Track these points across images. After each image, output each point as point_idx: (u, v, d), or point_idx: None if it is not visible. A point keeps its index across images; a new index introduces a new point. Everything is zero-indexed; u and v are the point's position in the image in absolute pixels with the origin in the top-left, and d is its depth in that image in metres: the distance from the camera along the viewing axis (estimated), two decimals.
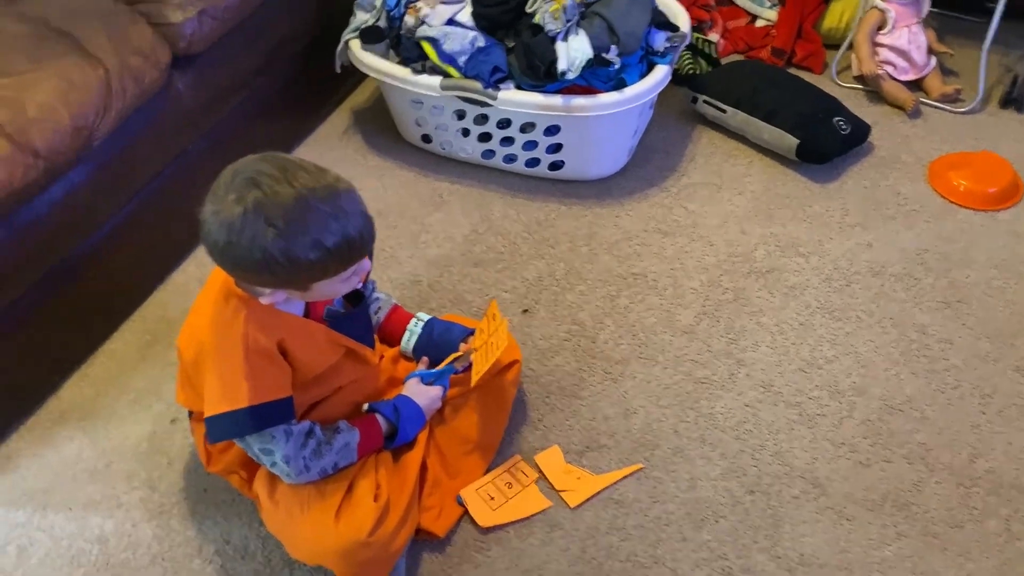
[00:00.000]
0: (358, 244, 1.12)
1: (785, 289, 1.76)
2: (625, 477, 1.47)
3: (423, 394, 1.43)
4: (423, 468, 1.42)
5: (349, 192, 1.11)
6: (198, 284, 1.82)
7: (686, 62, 2.19)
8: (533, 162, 1.97)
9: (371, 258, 1.22)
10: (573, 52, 1.72)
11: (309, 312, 1.31)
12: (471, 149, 2.00)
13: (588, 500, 1.45)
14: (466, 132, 1.96)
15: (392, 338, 1.51)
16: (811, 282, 1.77)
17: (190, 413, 1.41)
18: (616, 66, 1.77)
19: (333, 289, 1.20)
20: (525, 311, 1.75)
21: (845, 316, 1.70)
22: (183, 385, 1.33)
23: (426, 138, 2.05)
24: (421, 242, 1.90)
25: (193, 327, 1.25)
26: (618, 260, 1.83)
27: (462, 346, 1.47)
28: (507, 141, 1.94)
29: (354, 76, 2.08)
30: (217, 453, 1.36)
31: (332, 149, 2.13)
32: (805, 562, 1.35)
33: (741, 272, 1.79)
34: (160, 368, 1.68)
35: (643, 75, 1.84)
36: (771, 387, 1.59)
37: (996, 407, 1.55)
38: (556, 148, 1.92)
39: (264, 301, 1.17)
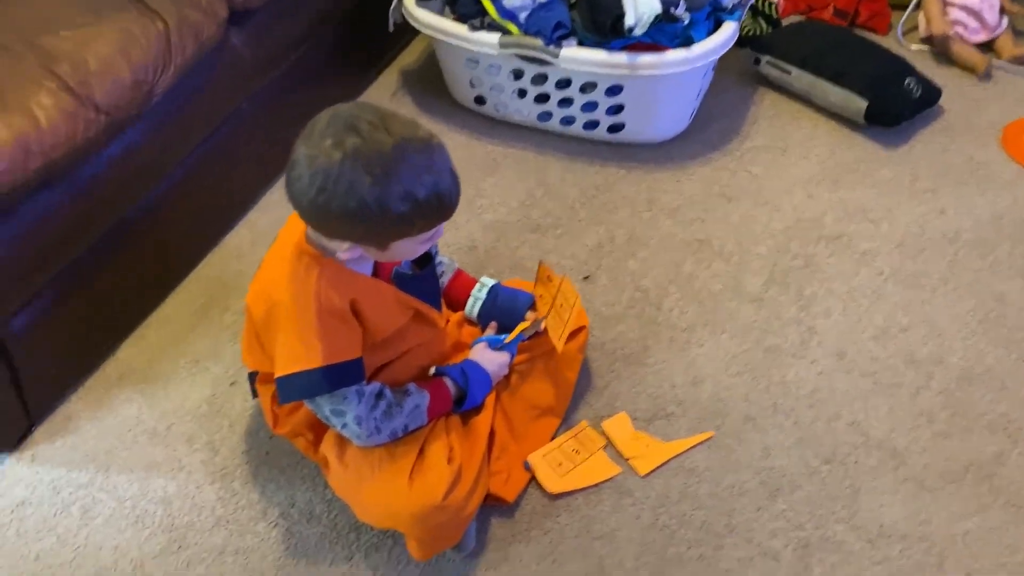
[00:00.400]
0: (447, 201, 1.10)
1: (856, 256, 1.70)
2: (696, 445, 1.44)
3: (491, 360, 1.39)
4: (491, 433, 1.39)
5: (441, 148, 1.09)
6: (251, 247, 1.81)
7: (746, 22, 2.12)
8: (592, 124, 1.92)
9: None
10: (641, 7, 1.66)
11: (377, 273, 1.28)
12: (527, 111, 1.95)
13: (658, 468, 1.41)
14: (523, 93, 1.91)
15: (456, 302, 1.48)
16: (883, 248, 1.71)
17: (254, 375, 1.39)
18: (684, 22, 1.70)
19: (410, 250, 1.18)
20: (586, 278, 1.70)
21: (919, 284, 1.65)
22: (250, 346, 1.31)
23: (480, 100, 2.00)
24: (476, 207, 1.86)
25: (263, 285, 1.22)
26: (681, 226, 1.78)
27: (529, 315, 1.43)
28: (566, 102, 1.89)
29: (405, 35, 2.04)
30: (284, 415, 1.34)
31: None
32: (885, 533, 1.31)
33: (810, 238, 1.74)
34: (217, 331, 1.66)
35: (710, 32, 1.78)
36: (845, 355, 1.54)
37: None
38: (617, 109, 1.86)
39: (341, 256, 1.14)
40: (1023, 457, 1.39)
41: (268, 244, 1.79)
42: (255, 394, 1.40)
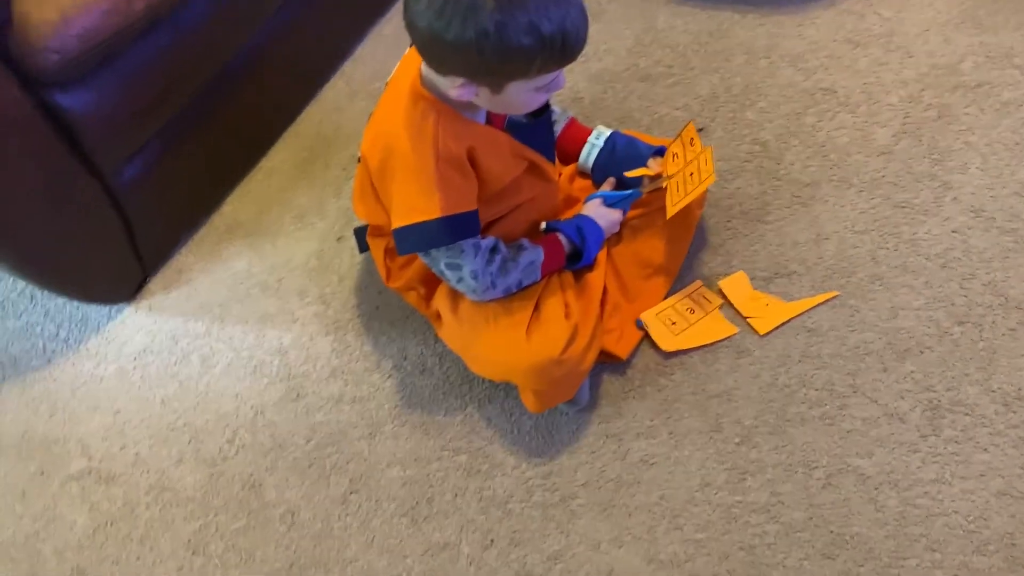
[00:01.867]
0: (572, 41, 1.01)
1: (998, 105, 1.56)
2: (819, 305, 1.38)
3: (604, 216, 1.34)
4: (603, 291, 1.35)
5: None
6: (348, 100, 1.76)
7: None
8: None
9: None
10: None
11: (491, 122, 1.21)
12: None
13: (778, 328, 1.36)
14: None
15: (570, 153, 1.41)
16: None
17: (362, 230, 1.36)
18: None
19: (524, 98, 1.10)
20: (700, 130, 1.61)
21: None
22: (363, 196, 1.27)
23: None
24: (581, 56, 1.75)
25: (378, 132, 1.17)
26: (803, 74, 1.66)
27: (652, 164, 1.36)
28: None
29: None
30: (397, 269, 1.32)
31: None
32: (1022, 396, 1.25)
33: (946, 86, 1.60)
34: (320, 186, 1.63)
35: None
36: (982, 212, 1.44)
37: None
38: None
39: (452, 95, 1.07)
40: None
41: (366, 97, 1.75)
42: (363, 248, 1.38)
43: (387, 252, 1.32)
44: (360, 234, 1.37)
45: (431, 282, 1.31)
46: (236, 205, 1.64)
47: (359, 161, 1.24)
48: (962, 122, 1.55)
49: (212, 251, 1.58)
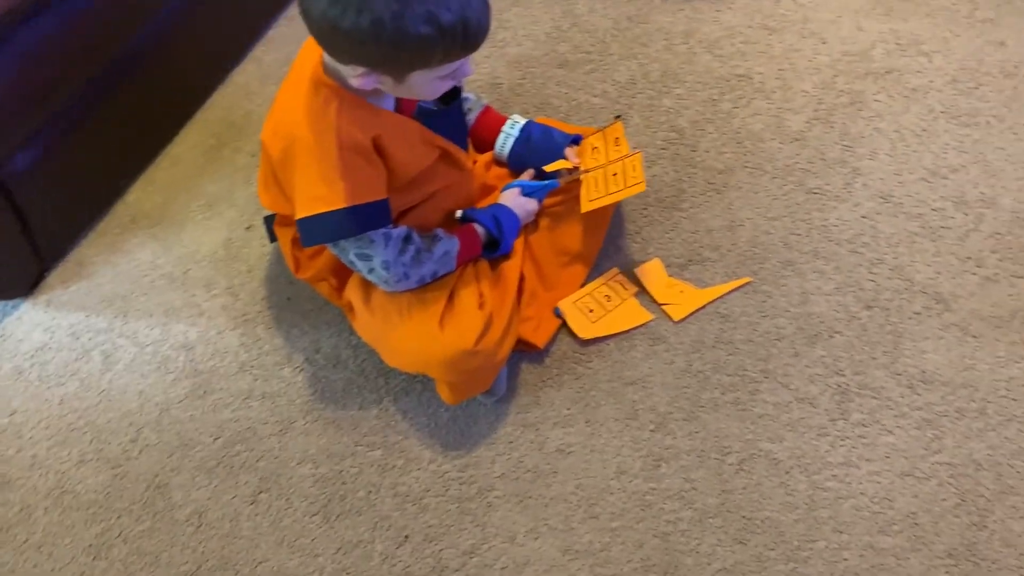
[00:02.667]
0: (473, 29, 0.97)
1: (906, 92, 1.59)
2: (732, 291, 1.39)
3: (521, 205, 1.32)
4: (520, 279, 1.34)
5: None
6: (260, 85, 1.70)
7: None
8: None
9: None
10: None
11: (400, 109, 1.18)
12: None
13: (692, 314, 1.37)
14: None
15: (485, 142, 1.39)
16: (935, 84, 1.60)
17: (271, 219, 1.32)
18: None
19: (429, 87, 1.07)
20: (618, 117, 1.58)
21: (973, 121, 1.55)
22: (267, 185, 1.23)
23: None
24: (499, 40, 1.74)
25: (279, 120, 1.13)
26: (720, 60, 1.66)
27: (568, 154, 1.35)
28: None
29: None
30: (306, 259, 1.28)
31: None
32: (927, 379, 1.28)
33: (857, 73, 1.62)
34: (230, 172, 1.58)
35: None
36: (891, 198, 1.46)
37: None
38: None
39: (353, 84, 1.03)
40: None
41: (277, 81, 1.68)
42: (273, 238, 1.34)
43: (295, 242, 1.28)
44: (269, 223, 1.33)
45: (342, 272, 1.27)
46: (140, 194, 1.57)
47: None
48: (872, 108, 1.58)
49: (115, 242, 1.51)
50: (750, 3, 1.74)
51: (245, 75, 1.73)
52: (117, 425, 1.32)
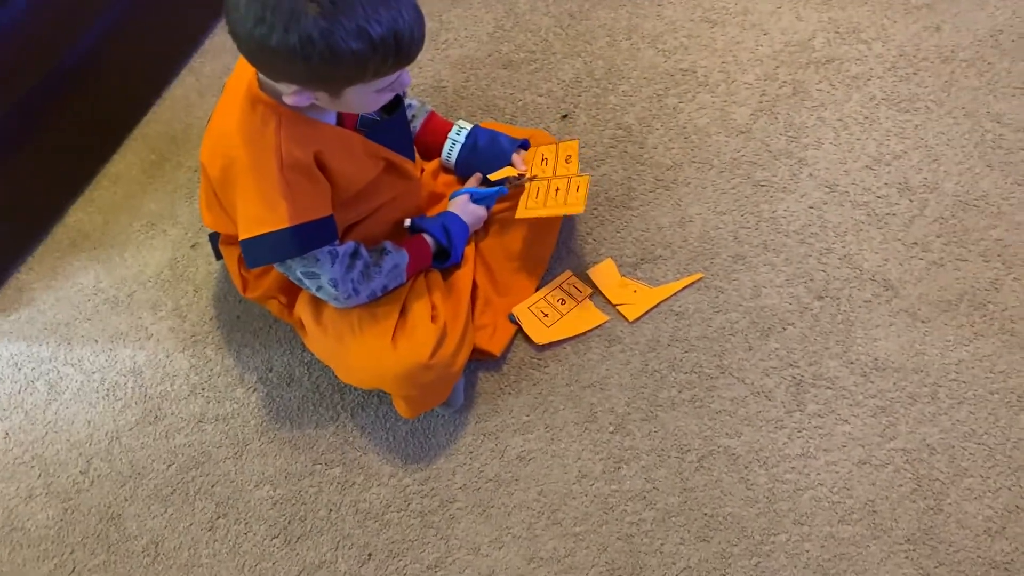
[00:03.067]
0: (406, 43, 0.95)
1: (847, 80, 1.60)
2: (684, 288, 1.39)
3: (470, 212, 1.31)
4: (472, 288, 1.33)
5: None
6: (199, 97, 1.66)
7: None
8: None
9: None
10: None
11: (342, 122, 1.16)
12: None
13: (647, 313, 1.37)
14: None
15: (431, 148, 1.37)
16: (875, 71, 1.61)
17: (216, 237, 1.29)
18: None
19: (366, 100, 1.05)
20: (564, 117, 1.60)
21: (913, 107, 1.57)
22: (209, 205, 1.20)
23: None
24: (441, 42, 1.72)
25: (216, 140, 1.10)
26: (663, 55, 1.66)
27: (515, 159, 1.34)
28: None
29: None
30: (254, 279, 1.26)
31: None
32: (879, 366, 1.30)
33: (799, 63, 1.63)
34: (171, 189, 1.54)
35: None
36: (836, 187, 1.48)
37: None
38: None
39: (288, 101, 1.01)
40: (1018, 283, 1.37)
41: (217, 93, 1.66)
42: (219, 255, 1.31)
43: (241, 261, 1.25)
44: (215, 240, 1.30)
45: (292, 290, 1.25)
46: (80, 215, 1.53)
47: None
48: (815, 98, 1.59)
49: (55, 266, 1.47)
50: None
51: (183, 87, 1.69)
52: (66, 457, 1.29)
